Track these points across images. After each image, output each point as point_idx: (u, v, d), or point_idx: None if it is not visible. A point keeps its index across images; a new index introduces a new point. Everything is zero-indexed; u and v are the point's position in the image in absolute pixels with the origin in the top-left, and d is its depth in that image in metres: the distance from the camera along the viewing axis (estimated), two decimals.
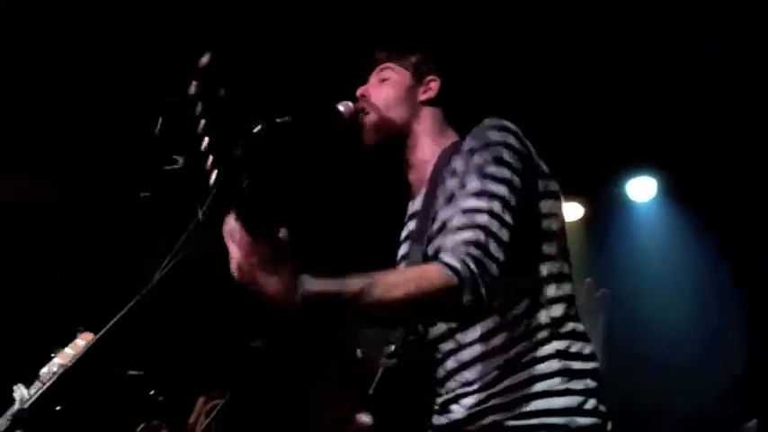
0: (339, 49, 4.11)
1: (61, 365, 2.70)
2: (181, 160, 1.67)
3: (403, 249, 2.01)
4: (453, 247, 1.61)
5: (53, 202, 4.92)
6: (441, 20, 4.05)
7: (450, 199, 1.79)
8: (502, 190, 1.68)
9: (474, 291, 1.55)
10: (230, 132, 1.38)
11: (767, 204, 5.03)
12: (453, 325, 1.82)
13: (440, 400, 1.86)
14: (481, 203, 1.66)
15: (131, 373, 3.85)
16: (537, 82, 4.57)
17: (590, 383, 1.75)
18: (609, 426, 1.76)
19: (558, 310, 1.78)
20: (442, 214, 1.80)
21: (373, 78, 2.07)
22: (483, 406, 1.76)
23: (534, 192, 1.78)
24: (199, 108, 1.37)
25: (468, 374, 1.79)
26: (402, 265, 1.96)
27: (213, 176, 1.34)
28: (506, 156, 1.73)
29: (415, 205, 1.98)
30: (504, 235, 1.63)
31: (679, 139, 5.02)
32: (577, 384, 1.73)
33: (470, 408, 1.78)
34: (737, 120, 4.86)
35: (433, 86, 2.03)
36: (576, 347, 1.77)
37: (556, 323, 1.77)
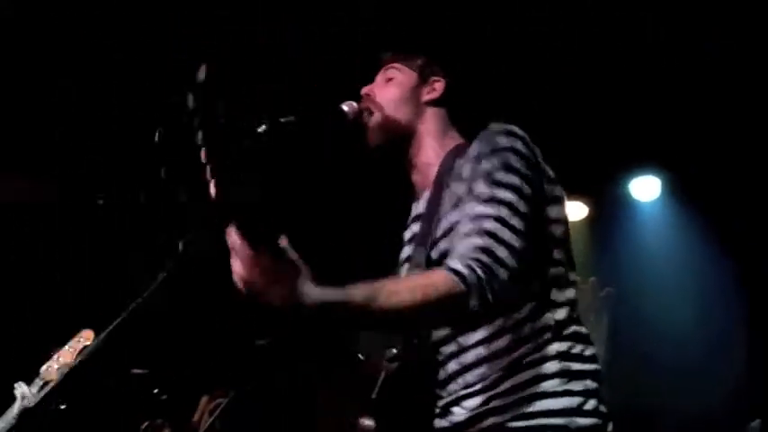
0: (339, 49, 4.14)
1: (64, 364, 2.76)
2: (177, 172, 1.69)
3: (406, 251, 2.03)
4: (460, 252, 1.63)
5: (53, 202, 4.95)
6: (443, 20, 4.07)
7: (457, 204, 1.81)
8: (510, 196, 1.70)
9: (481, 296, 1.56)
10: (229, 144, 1.41)
11: None
12: (455, 328, 1.84)
13: (441, 402, 1.87)
14: (489, 210, 1.68)
15: (135, 371, 3.87)
16: (541, 82, 4.59)
17: (590, 384, 1.77)
18: (610, 426, 1.77)
19: (560, 314, 1.80)
20: (448, 219, 1.82)
21: (379, 78, 2.08)
22: (483, 408, 1.78)
23: (541, 197, 1.79)
24: (197, 121, 1.39)
25: (470, 377, 1.81)
26: (405, 267, 1.98)
27: (212, 187, 1.36)
28: (514, 162, 1.74)
29: (419, 208, 2.00)
30: (515, 240, 1.65)
31: (683, 139, 5.04)
32: (577, 385, 1.75)
33: (471, 410, 1.79)
34: (742, 119, 4.87)
35: (438, 87, 2.05)
36: (577, 349, 1.79)
37: (558, 326, 1.79)
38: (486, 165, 1.75)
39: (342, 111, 1.98)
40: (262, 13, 4.05)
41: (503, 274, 1.60)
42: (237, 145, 1.72)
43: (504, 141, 1.78)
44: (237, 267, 1.41)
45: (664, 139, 5.11)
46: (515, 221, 1.67)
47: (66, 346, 2.93)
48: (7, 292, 4.66)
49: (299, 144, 1.86)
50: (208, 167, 1.36)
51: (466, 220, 1.70)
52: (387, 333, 1.83)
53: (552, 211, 1.82)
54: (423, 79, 2.05)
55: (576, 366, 1.77)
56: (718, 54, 4.41)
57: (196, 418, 3.50)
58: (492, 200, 1.70)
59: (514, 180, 1.72)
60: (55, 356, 2.89)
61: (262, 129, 1.80)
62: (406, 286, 1.57)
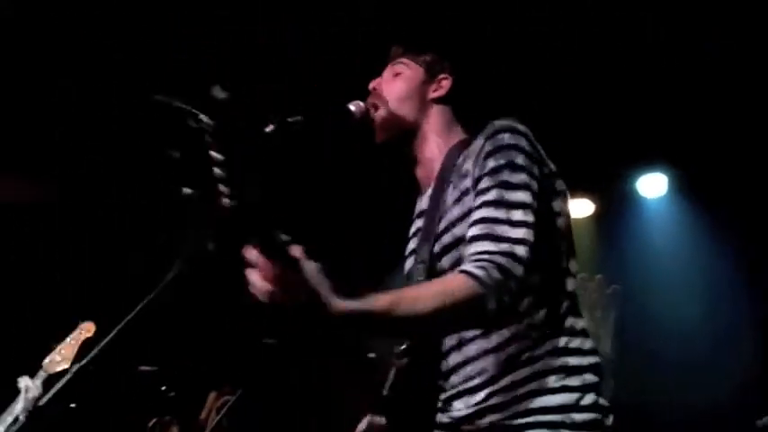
0: (339, 49, 4.20)
1: (66, 357, 2.85)
2: (192, 189, 1.73)
3: (411, 246, 2.09)
4: (475, 257, 1.68)
5: (53, 202, 5.02)
6: (446, 18, 4.12)
7: (459, 199, 1.88)
8: (519, 196, 1.75)
9: (498, 298, 1.62)
10: (244, 161, 1.42)
11: None
12: None
13: (444, 396, 1.93)
14: (500, 213, 1.73)
15: (143, 368, 3.92)
16: (548, 80, 4.65)
17: (588, 379, 1.81)
18: (609, 420, 1.80)
19: (560, 306, 1.85)
20: (451, 214, 1.89)
21: (387, 72, 2.14)
22: (483, 404, 1.82)
23: (546, 192, 1.84)
24: (217, 139, 1.43)
25: (470, 368, 1.86)
26: (410, 261, 2.04)
27: (226, 202, 1.38)
28: (520, 160, 1.80)
29: (423, 203, 2.07)
30: (526, 240, 1.70)
31: (690, 136, 5.09)
32: (575, 381, 1.79)
33: (471, 406, 1.84)
34: (749, 116, 4.93)
35: (445, 85, 2.11)
36: (575, 343, 1.83)
37: (557, 319, 1.83)
38: (492, 164, 1.80)
39: (349, 110, 2.05)
40: (262, 13, 4.10)
41: (518, 272, 1.65)
42: (248, 147, 1.77)
43: (508, 139, 1.83)
44: (258, 281, 1.44)
45: (670, 137, 5.16)
46: (526, 221, 1.72)
47: (68, 339, 3.02)
48: (7, 291, 4.73)
49: (306, 144, 1.90)
50: (222, 177, 1.39)
51: (478, 223, 1.75)
52: (407, 339, 1.89)
53: (556, 205, 1.88)
54: (430, 76, 2.11)
55: (575, 361, 1.81)
56: (725, 51, 4.46)
57: (204, 415, 3.56)
58: (501, 202, 1.75)
59: (523, 178, 1.78)
60: (57, 349, 2.98)
61: (269, 129, 1.85)
62: (426, 294, 1.62)
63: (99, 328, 3.00)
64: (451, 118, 2.11)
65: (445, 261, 1.90)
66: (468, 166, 1.88)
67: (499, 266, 1.64)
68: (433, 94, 2.10)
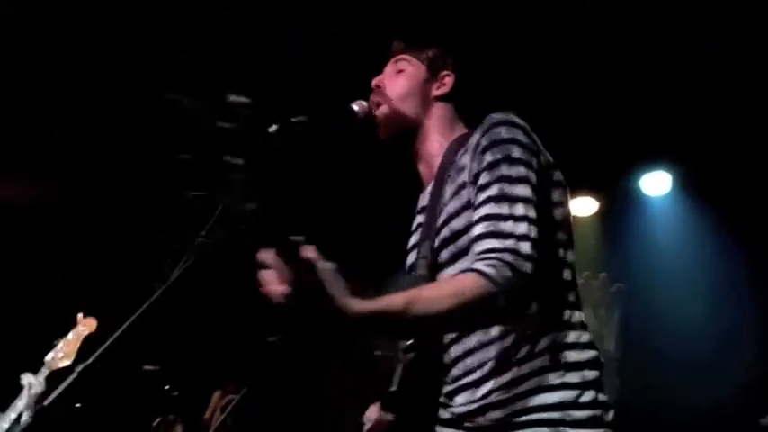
0: (339, 49, 4.24)
1: (68, 352, 2.90)
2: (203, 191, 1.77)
3: (413, 240, 2.12)
4: (483, 255, 1.71)
5: (53, 202, 5.06)
6: (452, 16, 4.16)
7: (457, 192, 1.91)
8: (520, 189, 1.78)
9: (509, 296, 1.65)
10: (260, 165, 1.47)
11: None
12: None
13: (445, 390, 1.95)
14: (503, 209, 1.76)
15: (147, 368, 3.96)
16: (551, 78, 4.69)
17: (587, 374, 1.81)
18: (609, 416, 1.81)
19: (557, 298, 1.86)
20: (450, 208, 1.93)
21: (389, 69, 2.16)
22: (484, 401, 1.84)
23: (545, 183, 1.86)
24: (230, 143, 1.48)
25: (470, 360, 1.88)
26: (412, 255, 2.08)
27: (245, 206, 1.44)
28: (518, 153, 1.82)
29: (425, 199, 2.11)
30: (530, 234, 1.72)
31: (694, 134, 5.13)
32: (573, 377, 1.80)
33: (472, 402, 1.86)
34: (752, 114, 4.97)
35: (448, 82, 2.13)
36: (572, 337, 1.84)
37: (555, 311, 1.85)
38: (490, 158, 1.83)
39: (352, 110, 2.08)
40: (262, 13, 4.15)
41: (527, 269, 1.68)
42: (263, 151, 1.81)
43: (505, 133, 1.85)
44: (274, 282, 1.46)
45: (674, 135, 5.20)
46: (528, 214, 1.75)
47: (70, 335, 3.08)
48: (8, 291, 4.79)
49: (309, 144, 1.94)
50: (241, 181, 1.43)
51: (482, 221, 1.77)
52: (421, 339, 1.93)
53: (555, 195, 1.91)
54: (432, 73, 2.14)
55: (574, 356, 1.82)
56: (729, 50, 4.49)
57: (208, 414, 3.58)
58: (503, 197, 1.77)
59: (522, 172, 1.80)
60: (59, 345, 3.05)
61: (273, 129, 1.89)
62: (440, 294, 1.64)
63: (99, 328, 3.04)
64: (453, 114, 2.14)
65: (444, 255, 1.93)
66: (466, 160, 1.92)
67: (507, 264, 1.67)
68: (435, 92, 2.13)
